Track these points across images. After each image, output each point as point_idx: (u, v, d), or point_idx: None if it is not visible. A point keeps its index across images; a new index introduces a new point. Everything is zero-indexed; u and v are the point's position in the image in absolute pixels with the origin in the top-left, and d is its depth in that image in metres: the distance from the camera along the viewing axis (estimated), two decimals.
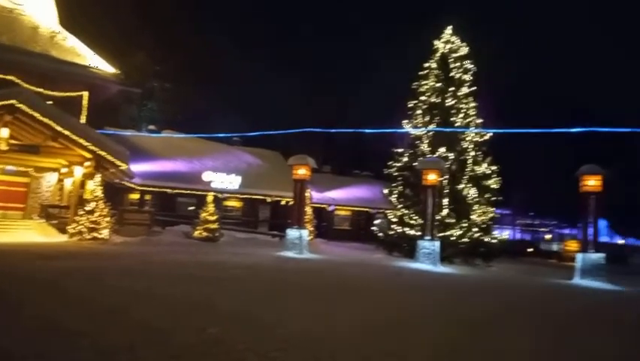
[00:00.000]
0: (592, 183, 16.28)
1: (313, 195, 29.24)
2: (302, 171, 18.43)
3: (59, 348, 3.93)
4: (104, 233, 17.05)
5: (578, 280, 15.54)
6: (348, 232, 33.97)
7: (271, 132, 23.63)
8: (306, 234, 18.02)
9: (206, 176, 29.22)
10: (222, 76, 51.82)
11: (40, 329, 4.55)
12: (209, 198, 22.27)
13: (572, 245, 35.57)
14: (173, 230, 22.68)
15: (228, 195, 30.02)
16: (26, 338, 4.21)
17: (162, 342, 4.30)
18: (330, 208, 35.17)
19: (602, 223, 37.62)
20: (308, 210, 24.28)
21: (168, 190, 27.72)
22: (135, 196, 28.15)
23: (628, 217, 52.80)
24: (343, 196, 35.88)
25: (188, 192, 28.38)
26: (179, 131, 33.17)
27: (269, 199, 31.26)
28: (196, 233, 21.19)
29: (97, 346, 4.04)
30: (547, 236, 50.83)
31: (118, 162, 18.38)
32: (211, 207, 21.77)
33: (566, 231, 48.22)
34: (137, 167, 25.00)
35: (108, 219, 17.41)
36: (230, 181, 29.95)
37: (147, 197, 28.02)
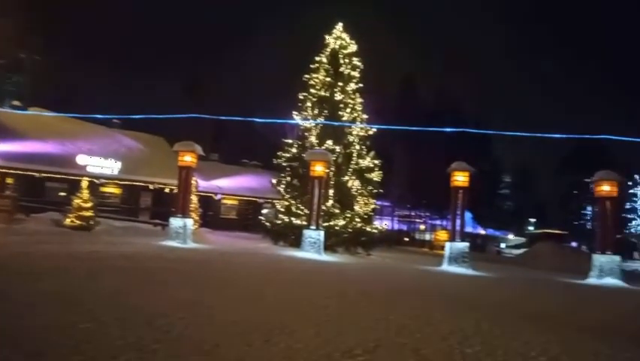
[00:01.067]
0: (461, 178, 17.94)
1: (199, 183, 28.45)
2: (188, 158, 17.84)
3: None
4: None
5: (445, 267, 17.08)
6: (235, 222, 33.68)
7: (155, 116, 22.49)
8: (190, 223, 17.52)
9: (81, 159, 26.99)
10: (107, 53, 48.07)
11: None
12: (84, 183, 20.58)
13: (442, 235, 38.92)
14: (40, 218, 20.64)
15: (106, 180, 28.03)
16: None
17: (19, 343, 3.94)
18: (217, 197, 34.52)
19: (468, 215, 41.64)
20: (193, 198, 23.58)
21: (35, 173, 25.12)
22: None
23: (488, 210, 59.07)
24: (231, 185, 35.43)
25: (59, 176, 25.97)
26: (50, 109, 30.12)
27: (151, 186, 29.78)
28: (67, 221, 19.47)
29: None
30: (422, 227, 54.93)
31: None
32: (85, 194, 20.14)
33: (438, 222, 52.48)
34: None
35: None
36: (109, 166, 27.98)
37: (9, 180, 25.11)
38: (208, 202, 32.20)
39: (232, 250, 16.35)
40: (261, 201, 33.91)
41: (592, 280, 16.68)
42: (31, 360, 3.45)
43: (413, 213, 55.79)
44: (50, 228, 18.77)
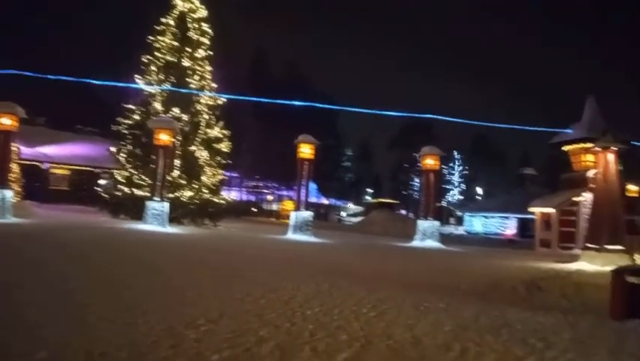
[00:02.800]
0: (306, 151, 18.66)
1: (22, 150, 24.98)
2: (6, 121, 15.60)
3: None
4: None
5: (290, 235, 17.77)
6: (67, 194, 30.44)
7: None
8: (10, 195, 15.42)
9: None
10: None
11: None
12: None
13: (288, 205, 40.24)
14: None
15: None
16: None
17: None
18: (44, 166, 30.73)
19: (313, 186, 43.67)
20: (14, 167, 20.65)
21: None
22: None
23: (331, 181, 62.64)
24: (61, 153, 31.80)
25: None
26: None
27: None
28: None
29: None
30: (270, 197, 56.01)
31: None
32: None
33: (285, 192, 54.03)
34: None
35: None
36: None
37: None
38: (34, 172, 28.50)
39: (62, 224, 14.83)
40: (98, 171, 31.08)
41: (416, 242, 18.93)
42: None
43: (262, 185, 56.55)
44: None
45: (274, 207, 51.54)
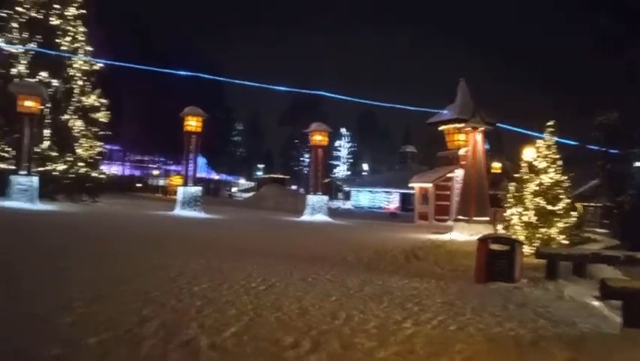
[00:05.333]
0: (193, 123, 17.97)
1: None
2: None
3: None
4: None
5: (178, 211, 17.12)
6: None
7: None
8: None
9: None
10: None
11: None
12: None
13: (176, 180, 38.69)
14: None
15: None
16: None
17: None
18: None
19: (202, 161, 42.37)
20: None
21: None
22: None
23: (222, 156, 61.30)
24: None
25: None
26: None
27: None
28: None
29: None
30: (156, 172, 53.29)
31: None
32: None
33: (172, 167, 51.78)
34: None
35: None
36: None
37: None
38: None
39: None
40: None
41: (305, 217, 19.35)
42: None
43: (147, 159, 53.56)
44: None
45: (161, 182, 49.23)
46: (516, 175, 11.23)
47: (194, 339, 3.37)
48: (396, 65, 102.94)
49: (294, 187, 56.18)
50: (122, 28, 46.92)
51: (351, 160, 73.79)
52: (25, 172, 15.04)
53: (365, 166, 66.64)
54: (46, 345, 3.00)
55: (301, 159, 71.79)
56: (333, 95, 24.74)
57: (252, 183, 60.32)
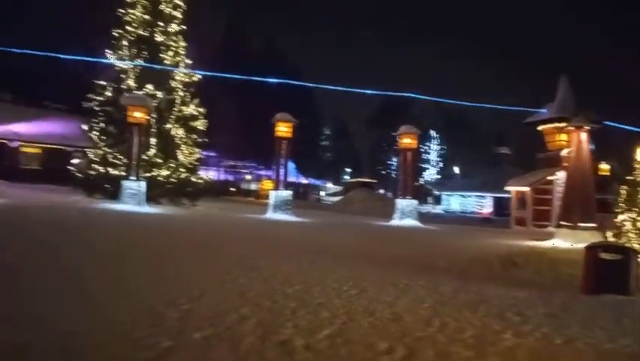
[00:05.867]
0: (284, 129, 18.50)
1: None
2: None
3: None
4: None
5: (270, 215, 17.71)
6: (39, 173, 29.59)
7: None
8: None
9: None
10: None
11: None
12: None
13: (267, 185, 40.07)
14: None
15: None
16: None
17: None
18: (13, 144, 29.76)
19: (291, 165, 43.54)
20: None
21: None
22: None
23: (310, 161, 62.53)
24: (31, 131, 30.79)
25: None
26: None
27: None
28: None
29: None
30: (248, 177, 55.60)
31: None
32: None
33: (263, 172, 53.71)
34: None
35: None
36: None
37: None
38: (1, 151, 27.61)
39: (36, 203, 14.46)
40: (71, 149, 30.28)
41: (395, 221, 19.09)
42: None
43: (240, 164, 56.06)
44: None
45: (253, 186, 51.25)
46: (628, 177, 10.23)
47: (289, 339, 3.45)
48: (487, 63, 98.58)
49: (382, 191, 55.80)
50: (216, 39, 49.68)
51: (441, 163, 71.77)
52: (134, 178, 16.39)
53: (456, 169, 64.51)
54: (158, 337, 3.24)
55: (389, 162, 71.09)
56: (422, 97, 24.27)
57: (340, 187, 60.83)
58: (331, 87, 28.70)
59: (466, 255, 9.66)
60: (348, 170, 70.84)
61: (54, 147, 31.44)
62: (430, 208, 43.90)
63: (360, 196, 33.68)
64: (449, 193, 45.33)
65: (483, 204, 40.61)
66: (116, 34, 19.87)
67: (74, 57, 20.30)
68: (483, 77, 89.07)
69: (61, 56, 20.84)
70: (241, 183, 53.90)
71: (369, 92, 29.64)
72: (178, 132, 20.11)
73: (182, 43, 20.89)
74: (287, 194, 18.41)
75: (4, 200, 14.89)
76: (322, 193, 61.16)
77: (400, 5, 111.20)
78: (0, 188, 18.81)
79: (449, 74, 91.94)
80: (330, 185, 65.95)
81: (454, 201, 43.78)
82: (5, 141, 28.78)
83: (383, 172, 70.11)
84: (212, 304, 4.28)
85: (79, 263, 5.87)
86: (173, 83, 20.41)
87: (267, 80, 23.96)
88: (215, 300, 4.44)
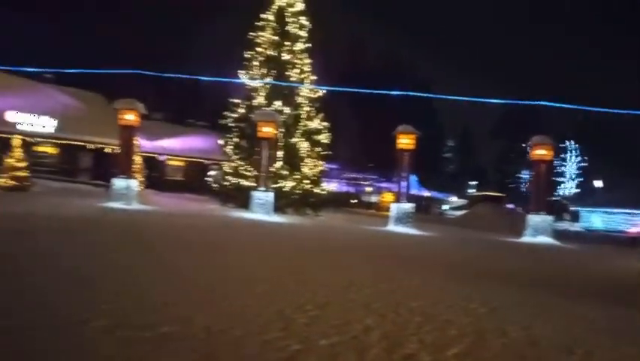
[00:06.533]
0: (406, 141, 18.29)
1: (143, 143, 27.44)
2: (130, 117, 17.12)
3: None
4: None
5: (391, 227, 17.58)
6: (182, 183, 32.89)
7: (92, 71, 21.23)
8: (134, 184, 16.99)
9: (10, 116, 25.19)
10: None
11: None
12: (16, 142, 19.34)
13: (388, 197, 39.92)
14: None
15: (41, 139, 26.44)
16: None
17: None
18: (161, 158, 33.49)
19: (413, 178, 42.90)
20: (137, 159, 22.76)
21: None
22: None
23: (433, 173, 61.00)
24: (176, 146, 34.39)
25: None
26: None
27: (91, 146, 28.41)
28: (0, 181, 18.34)
29: None
30: (369, 189, 55.96)
31: None
32: (18, 153, 18.97)
33: (384, 184, 53.64)
34: None
35: None
36: (43, 124, 26.33)
37: None
38: (152, 163, 31.21)
39: (180, 211, 16.06)
40: (208, 162, 33.22)
41: (526, 238, 17.73)
42: None
43: (361, 176, 56.69)
44: None
45: (373, 198, 51.40)
46: None
47: (415, 354, 3.36)
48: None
49: (510, 206, 52.37)
50: (340, 55, 51.01)
51: (581, 176, 65.34)
52: (263, 188, 17.41)
53: (597, 183, 58.22)
54: (288, 340, 3.38)
55: (517, 175, 66.61)
56: (555, 105, 22.39)
57: (464, 201, 58.37)
58: (452, 97, 27.82)
59: (612, 278, 8.62)
60: (473, 183, 67.68)
61: (194, 160, 34.78)
62: (567, 225, 40.09)
63: (487, 210, 31.91)
64: (590, 210, 40.99)
65: (633, 222, 36.01)
66: (248, 56, 21.44)
67: (212, 79, 22.29)
68: (629, 80, 79.49)
69: (201, 78, 23.02)
70: (362, 195, 54.36)
71: (493, 101, 28.16)
72: (303, 146, 20.95)
73: (307, 61, 21.84)
74: (409, 207, 18.13)
75: (156, 207, 16.77)
76: (445, 207, 59.18)
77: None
78: (151, 197, 21.23)
79: (587, 76, 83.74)
80: (453, 198, 63.56)
81: (596, 219, 39.48)
82: (156, 155, 32.43)
83: (511, 185, 65.79)
84: (337, 312, 4.34)
85: (216, 262, 6.36)
86: (299, 99, 21.38)
87: (388, 92, 23.96)
88: (340, 309, 4.50)
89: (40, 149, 26.99)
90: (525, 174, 63.66)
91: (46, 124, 26.56)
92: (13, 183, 18.37)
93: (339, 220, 20.05)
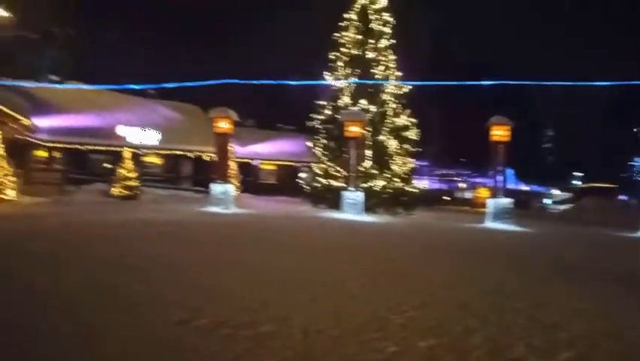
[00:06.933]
0: (500, 133, 17.36)
1: (237, 149, 28.76)
2: (224, 125, 17.99)
3: None
4: (11, 194, 15.76)
5: (488, 224, 16.79)
6: (275, 186, 34.02)
7: (186, 84, 22.55)
8: (231, 189, 17.80)
9: (121, 131, 27.61)
10: (130, 21, 48.40)
11: None
12: (127, 154, 21.18)
13: (483, 192, 38.21)
14: (88, 189, 21.47)
15: (147, 151, 28.72)
16: None
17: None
18: (255, 163, 34.89)
19: (510, 172, 40.67)
20: (232, 164, 23.90)
21: (79, 146, 25.96)
22: (43, 154, 26.12)
23: (531, 166, 57.52)
24: (268, 150, 35.66)
25: (102, 148, 26.74)
26: (85, 82, 30.63)
27: (191, 155, 30.33)
28: (115, 191, 20.20)
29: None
30: (462, 185, 54.03)
31: (18, 116, 16.84)
32: (129, 164, 20.75)
33: (478, 180, 51.48)
34: (41, 121, 23.08)
35: (13, 178, 16.07)
36: (148, 136, 28.57)
37: (56, 154, 26.11)
38: (247, 168, 32.61)
39: (275, 213, 16.59)
40: (299, 165, 34.03)
41: None
42: (85, 319, 3.60)
43: (452, 172, 54.93)
44: (99, 198, 19.54)
45: (467, 195, 49.52)
46: None
47: (522, 358, 3.18)
48: None
49: (623, 197, 47.81)
50: (425, 48, 49.82)
51: None
52: (353, 188, 17.46)
53: None
54: (384, 341, 3.34)
55: (630, 163, 60.66)
56: None
57: (568, 194, 54.27)
58: (550, 83, 25.93)
59: None
60: (578, 174, 62.70)
61: (285, 163, 35.82)
62: None
63: (596, 204, 29.36)
64: None
65: None
66: (333, 57, 21.61)
67: (299, 82, 22.76)
68: None
69: (289, 82, 23.59)
70: (455, 191, 52.61)
71: (598, 83, 25.80)
72: (391, 143, 20.68)
73: (392, 57, 21.52)
74: (507, 202, 17.20)
75: (252, 210, 17.49)
76: (547, 201, 55.42)
77: None
78: (247, 200, 22.18)
79: None
80: (556, 191, 59.34)
81: None
82: (249, 160, 33.85)
83: (622, 175, 60.02)
84: (434, 313, 4.22)
85: (315, 264, 6.47)
86: (385, 96, 21.12)
87: (479, 82, 22.92)
88: (437, 309, 4.37)
89: (147, 159, 29.30)
90: (638, 162, 57.82)
91: (151, 136, 28.78)
92: (126, 192, 20.12)
93: (433, 218, 19.55)
